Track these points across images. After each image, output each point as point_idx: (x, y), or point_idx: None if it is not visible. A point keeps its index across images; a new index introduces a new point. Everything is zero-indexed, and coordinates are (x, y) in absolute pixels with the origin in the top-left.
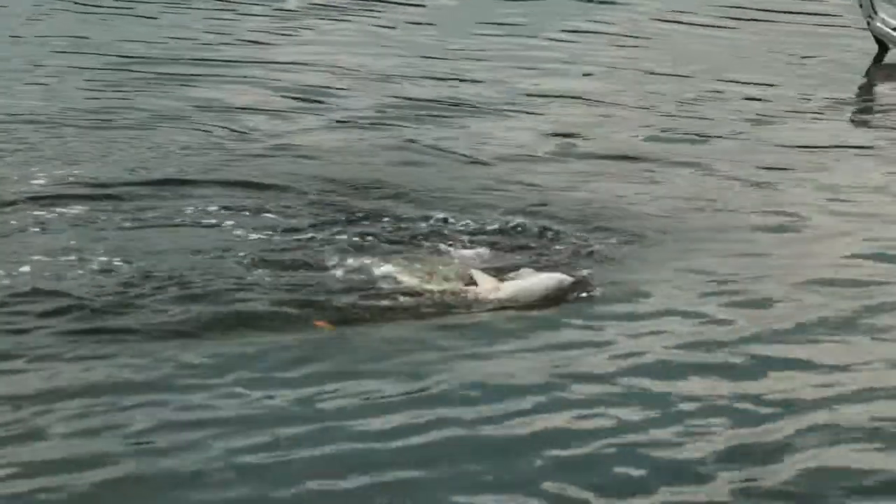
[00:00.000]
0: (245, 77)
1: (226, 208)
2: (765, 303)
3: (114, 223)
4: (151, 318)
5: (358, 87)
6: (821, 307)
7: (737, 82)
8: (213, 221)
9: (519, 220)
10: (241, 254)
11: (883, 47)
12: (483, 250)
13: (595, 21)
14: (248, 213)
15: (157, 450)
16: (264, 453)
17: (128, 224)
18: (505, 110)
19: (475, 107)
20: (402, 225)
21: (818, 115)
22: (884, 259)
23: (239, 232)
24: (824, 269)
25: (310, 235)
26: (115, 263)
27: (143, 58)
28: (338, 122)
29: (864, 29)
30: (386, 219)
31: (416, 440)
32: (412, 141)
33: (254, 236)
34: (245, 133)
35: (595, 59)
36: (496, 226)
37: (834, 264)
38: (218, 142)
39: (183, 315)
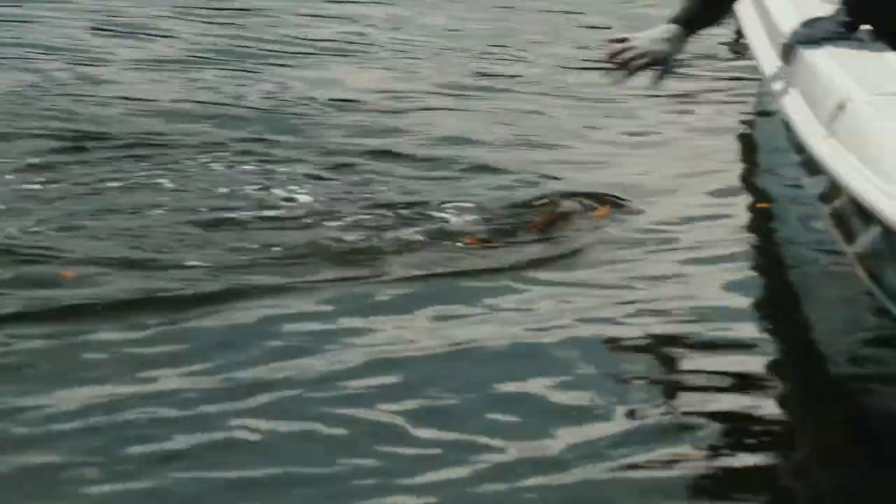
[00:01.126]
0: (49, 17)
1: (30, 160)
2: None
3: None
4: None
5: (187, 24)
6: None
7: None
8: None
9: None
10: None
11: None
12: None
13: None
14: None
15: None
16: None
17: None
18: (347, 52)
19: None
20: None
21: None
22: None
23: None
24: None
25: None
26: None
27: None
28: (158, 61)
29: None
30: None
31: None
32: (232, 84)
33: (57, 187)
34: (52, 75)
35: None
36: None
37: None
38: (16, 86)
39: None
